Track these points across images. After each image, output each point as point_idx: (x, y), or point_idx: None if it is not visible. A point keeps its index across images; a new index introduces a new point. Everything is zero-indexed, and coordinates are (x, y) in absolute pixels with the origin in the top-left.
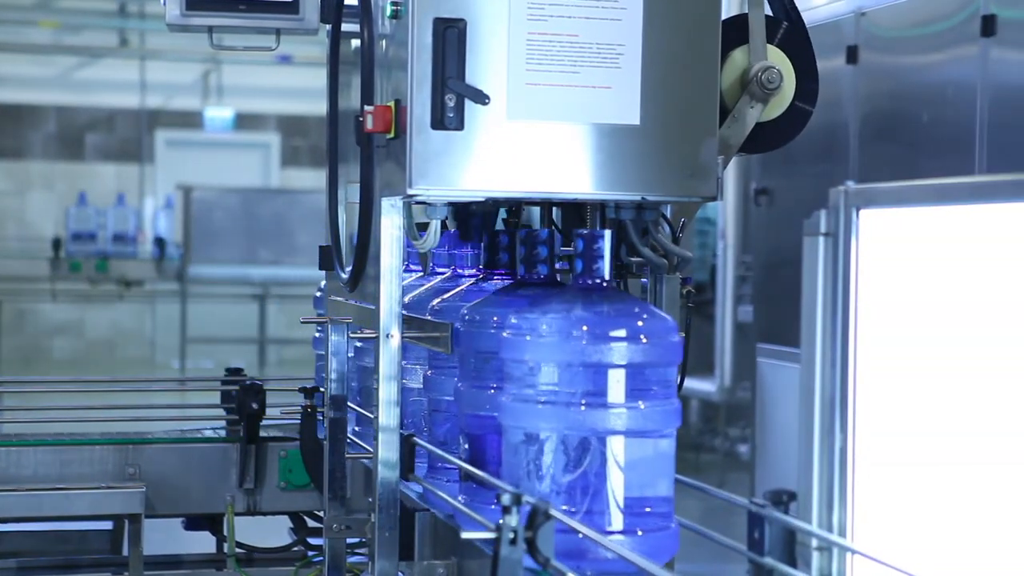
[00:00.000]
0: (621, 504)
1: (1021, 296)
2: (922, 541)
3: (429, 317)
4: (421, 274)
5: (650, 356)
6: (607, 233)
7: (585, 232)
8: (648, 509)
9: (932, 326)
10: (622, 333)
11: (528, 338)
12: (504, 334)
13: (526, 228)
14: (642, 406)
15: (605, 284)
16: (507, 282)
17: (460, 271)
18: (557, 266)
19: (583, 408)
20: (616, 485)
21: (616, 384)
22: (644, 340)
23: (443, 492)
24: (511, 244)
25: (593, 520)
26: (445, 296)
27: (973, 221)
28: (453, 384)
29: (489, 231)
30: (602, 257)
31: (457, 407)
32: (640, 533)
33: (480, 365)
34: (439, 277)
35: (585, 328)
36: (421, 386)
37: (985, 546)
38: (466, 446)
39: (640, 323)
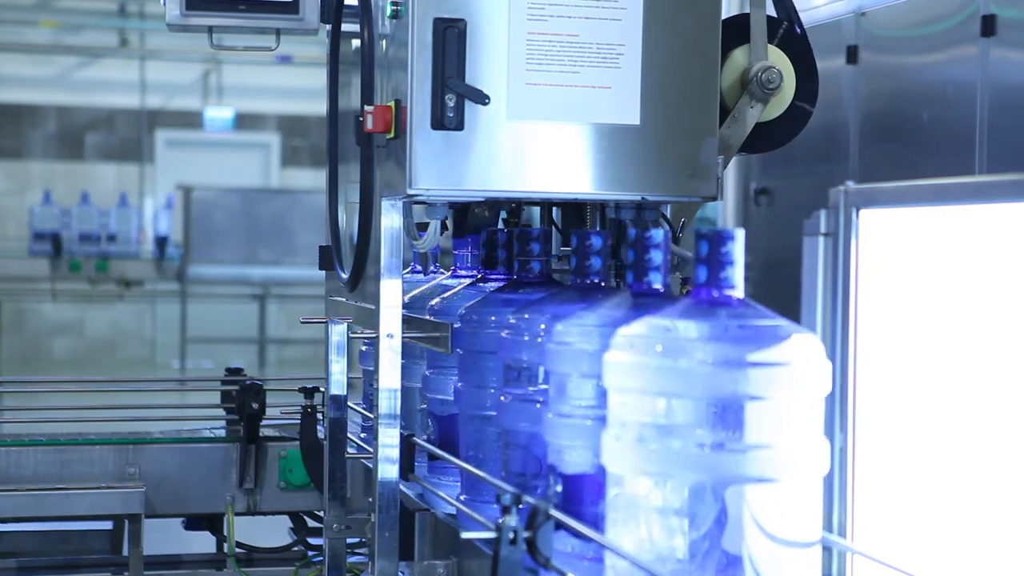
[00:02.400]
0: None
1: (1021, 296)
2: (922, 541)
3: (507, 334)
4: (444, 275)
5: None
6: (738, 233)
7: (709, 232)
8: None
9: (932, 326)
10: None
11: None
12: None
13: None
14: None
15: (732, 296)
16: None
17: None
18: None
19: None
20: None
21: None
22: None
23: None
24: (597, 248)
25: None
26: (524, 311)
27: (973, 221)
28: (533, 411)
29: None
30: (732, 263)
31: (538, 444)
32: None
33: (567, 389)
34: (465, 281)
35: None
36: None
37: (985, 546)
38: (559, 489)
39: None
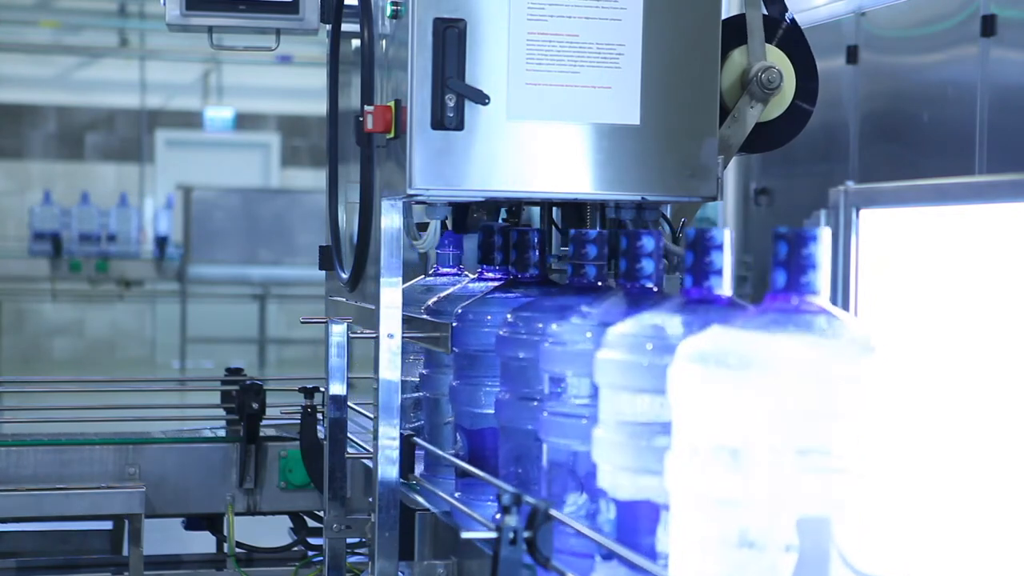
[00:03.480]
0: None
1: (1021, 296)
2: (924, 543)
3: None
4: (471, 277)
5: None
6: (822, 232)
7: (788, 232)
8: None
9: (932, 326)
10: None
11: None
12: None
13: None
14: None
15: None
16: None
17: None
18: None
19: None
20: None
21: None
22: None
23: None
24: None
25: None
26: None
27: (973, 221)
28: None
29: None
30: (814, 267)
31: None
32: None
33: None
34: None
35: None
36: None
37: (988, 547)
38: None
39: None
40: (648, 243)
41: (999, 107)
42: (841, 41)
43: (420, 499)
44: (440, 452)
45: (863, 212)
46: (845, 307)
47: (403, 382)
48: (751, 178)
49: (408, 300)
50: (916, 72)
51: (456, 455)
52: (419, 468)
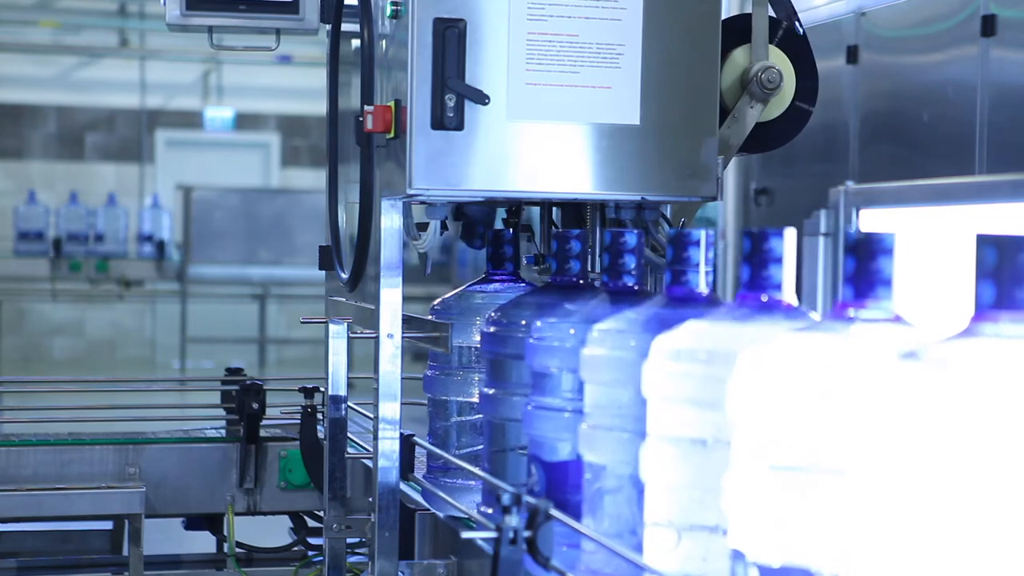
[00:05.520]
0: None
1: None
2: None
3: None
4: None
5: None
6: (894, 238)
7: (861, 237)
8: None
9: (932, 326)
10: None
11: None
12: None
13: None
14: None
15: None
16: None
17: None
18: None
19: None
20: None
21: None
22: None
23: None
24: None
25: None
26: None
27: (973, 221)
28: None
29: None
30: (889, 280)
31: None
32: None
33: None
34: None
35: None
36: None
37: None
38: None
39: None
40: (694, 251)
41: (999, 107)
42: (841, 41)
43: (420, 499)
44: (499, 483)
45: (863, 212)
46: None
47: (450, 401)
48: (751, 178)
49: (465, 310)
50: (916, 72)
51: (530, 492)
52: (468, 499)
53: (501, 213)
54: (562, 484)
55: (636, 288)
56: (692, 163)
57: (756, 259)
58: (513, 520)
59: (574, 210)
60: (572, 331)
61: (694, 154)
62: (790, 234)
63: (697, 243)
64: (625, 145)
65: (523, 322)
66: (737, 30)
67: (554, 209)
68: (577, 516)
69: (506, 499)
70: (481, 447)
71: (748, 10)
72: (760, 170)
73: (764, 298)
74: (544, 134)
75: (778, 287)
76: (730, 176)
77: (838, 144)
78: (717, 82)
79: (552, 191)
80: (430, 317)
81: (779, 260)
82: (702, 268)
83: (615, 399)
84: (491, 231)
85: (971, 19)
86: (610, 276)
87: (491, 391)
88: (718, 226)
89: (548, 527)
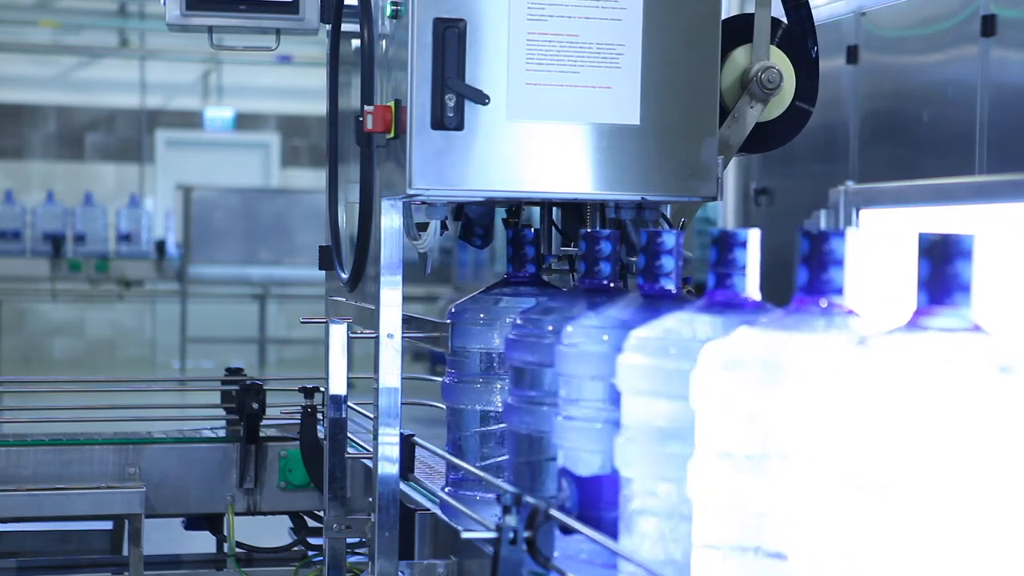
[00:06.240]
0: None
1: (1022, 296)
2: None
3: None
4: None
5: None
6: (971, 240)
7: (936, 238)
8: None
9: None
10: None
11: None
12: None
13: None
14: None
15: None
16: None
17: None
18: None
19: None
20: None
21: None
22: None
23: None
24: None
25: None
26: None
27: (973, 221)
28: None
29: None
30: (967, 287)
31: None
32: None
33: None
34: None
35: None
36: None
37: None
38: None
39: None
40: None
41: (999, 107)
42: (841, 41)
43: (420, 499)
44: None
45: (863, 212)
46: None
47: (470, 410)
48: (751, 178)
49: (486, 314)
50: (916, 72)
51: (561, 507)
52: (489, 512)
53: (501, 213)
54: (595, 500)
55: (674, 292)
56: (692, 163)
57: (814, 261)
58: (513, 520)
59: (574, 210)
60: (606, 337)
61: (694, 154)
62: (851, 234)
63: (744, 244)
64: (625, 145)
65: (550, 327)
66: (737, 30)
67: (554, 209)
68: (612, 535)
69: (506, 499)
70: (504, 458)
71: (748, 10)
72: (760, 170)
73: (824, 303)
74: (544, 134)
75: (839, 291)
76: (730, 176)
77: (838, 144)
78: (717, 82)
79: (552, 191)
80: (446, 320)
81: (840, 263)
82: (748, 271)
83: (656, 411)
84: (511, 231)
85: (971, 19)
86: (646, 279)
87: (517, 400)
88: (718, 226)
89: (548, 527)
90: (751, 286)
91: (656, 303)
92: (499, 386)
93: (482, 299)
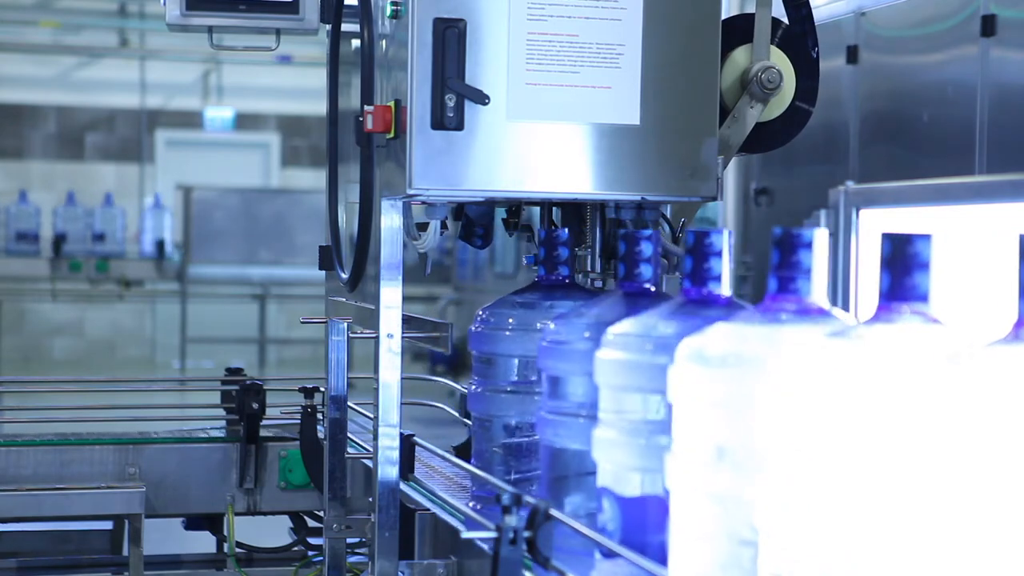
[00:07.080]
0: None
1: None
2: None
3: None
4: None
5: None
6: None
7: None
8: None
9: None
10: None
11: None
12: None
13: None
14: None
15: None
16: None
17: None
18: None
19: None
20: None
21: None
22: None
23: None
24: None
25: None
26: None
27: (973, 221)
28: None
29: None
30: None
31: None
32: None
33: None
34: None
35: None
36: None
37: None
38: None
39: None
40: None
41: (999, 107)
42: (841, 41)
43: (420, 499)
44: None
45: (863, 212)
46: (845, 307)
47: (498, 421)
48: (751, 178)
49: (518, 319)
50: (916, 72)
51: (602, 530)
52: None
53: (501, 213)
54: (641, 522)
55: (724, 298)
56: (692, 163)
57: (897, 265)
58: (513, 520)
59: (574, 210)
60: (649, 346)
61: (694, 154)
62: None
63: (809, 245)
64: (625, 145)
65: (587, 334)
66: (737, 30)
67: (554, 209)
68: (662, 560)
69: (506, 499)
70: (537, 472)
71: (748, 10)
72: (760, 170)
73: (905, 308)
74: (544, 134)
75: (924, 297)
76: (730, 176)
77: (838, 144)
78: (717, 82)
79: (552, 191)
80: (478, 328)
81: (926, 266)
82: (813, 274)
83: (714, 428)
84: (543, 231)
85: (971, 19)
86: (693, 282)
87: (551, 411)
88: (718, 226)
89: (548, 527)
90: (817, 292)
91: (704, 309)
92: (531, 396)
93: (512, 302)
